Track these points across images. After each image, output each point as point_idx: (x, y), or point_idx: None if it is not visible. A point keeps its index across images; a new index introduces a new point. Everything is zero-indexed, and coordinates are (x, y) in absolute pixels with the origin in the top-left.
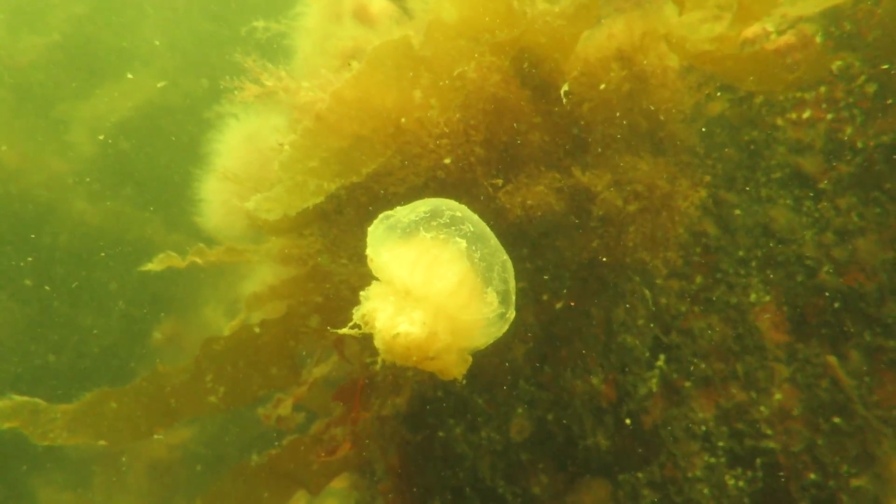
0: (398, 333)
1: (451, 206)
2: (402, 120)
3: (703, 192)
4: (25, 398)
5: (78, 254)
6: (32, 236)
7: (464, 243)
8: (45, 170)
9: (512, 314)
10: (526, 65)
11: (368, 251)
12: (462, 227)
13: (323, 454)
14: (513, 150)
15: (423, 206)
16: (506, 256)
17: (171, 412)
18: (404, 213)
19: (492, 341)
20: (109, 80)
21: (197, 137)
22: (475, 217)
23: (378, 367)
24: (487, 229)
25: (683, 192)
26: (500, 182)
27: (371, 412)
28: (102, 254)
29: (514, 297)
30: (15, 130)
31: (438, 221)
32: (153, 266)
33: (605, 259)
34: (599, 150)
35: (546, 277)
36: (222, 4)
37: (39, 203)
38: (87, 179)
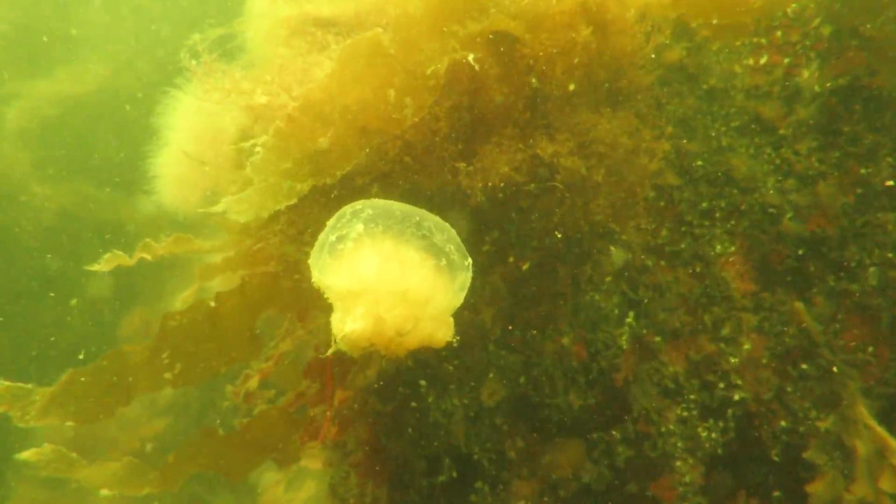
0: (347, 333)
1: (354, 205)
2: (375, 121)
3: (667, 145)
4: (10, 383)
5: (43, 239)
6: None
7: (360, 226)
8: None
9: (460, 259)
10: (500, 48)
11: (315, 280)
12: (361, 214)
13: (305, 438)
14: (476, 122)
15: (331, 220)
16: (427, 217)
17: (128, 389)
18: (324, 235)
19: (462, 291)
20: (59, 66)
21: (151, 120)
22: (379, 202)
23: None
24: (394, 205)
25: (647, 146)
26: (462, 165)
27: (350, 390)
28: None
29: (450, 245)
30: None
31: (341, 223)
32: (100, 267)
33: (571, 231)
34: (559, 108)
35: (511, 239)
36: None
37: None
38: (45, 164)
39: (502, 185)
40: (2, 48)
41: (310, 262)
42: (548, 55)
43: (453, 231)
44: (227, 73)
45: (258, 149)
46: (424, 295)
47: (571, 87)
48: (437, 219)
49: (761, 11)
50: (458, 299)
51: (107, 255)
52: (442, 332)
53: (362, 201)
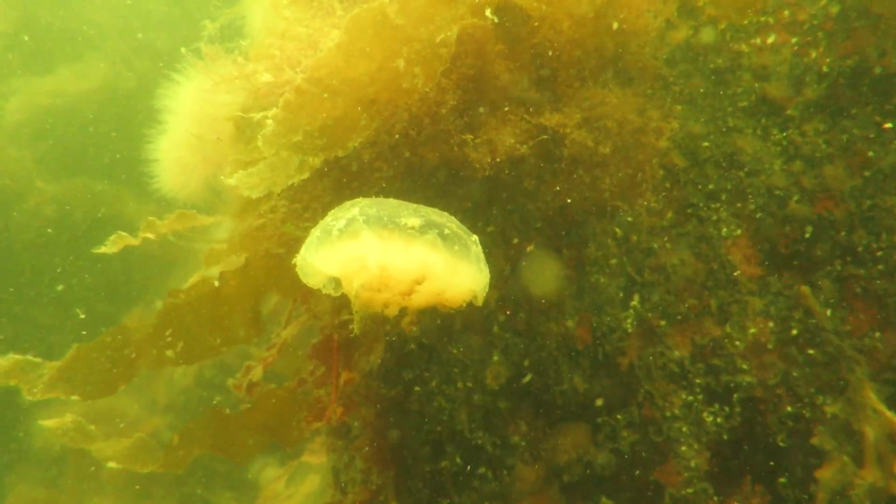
0: (360, 284)
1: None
2: (384, 92)
3: (675, 124)
4: (21, 356)
5: (45, 234)
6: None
7: (356, 209)
8: (3, 157)
9: (465, 236)
10: (505, 19)
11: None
12: (357, 205)
13: (310, 418)
14: (483, 92)
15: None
16: (422, 207)
17: (131, 365)
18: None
19: (474, 259)
20: (60, 64)
21: (151, 116)
22: (367, 200)
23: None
24: (388, 200)
25: (655, 125)
26: (469, 137)
27: (356, 371)
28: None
29: (452, 224)
30: None
31: (341, 212)
32: (107, 248)
33: (577, 207)
34: (567, 82)
35: (515, 221)
36: None
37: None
38: (47, 159)
39: (507, 158)
40: (4, 47)
41: (303, 250)
42: (554, 21)
43: (452, 217)
44: (230, 59)
45: (269, 121)
46: (437, 274)
47: (577, 53)
48: (434, 209)
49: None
50: (483, 274)
51: (112, 237)
52: (451, 293)
53: (353, 201)
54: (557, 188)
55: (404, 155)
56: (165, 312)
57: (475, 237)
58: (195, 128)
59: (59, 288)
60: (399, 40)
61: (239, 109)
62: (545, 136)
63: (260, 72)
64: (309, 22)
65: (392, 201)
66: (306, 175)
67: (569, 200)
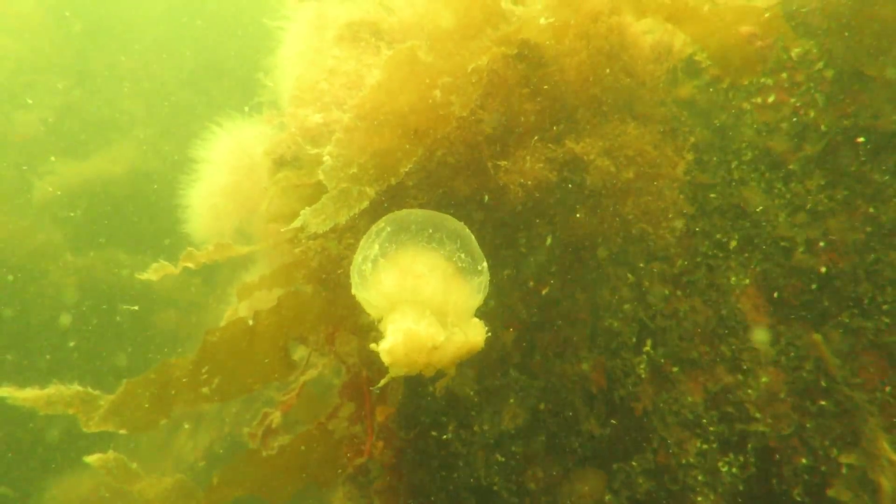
0: (385, 349)
1: (378, 224)
2: (424, 122)
3: (690, 156)
4: (79, 388)
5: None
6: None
7: (377, 247)
8: (33, 239)
9: (472, 264)
10: (526, 51)
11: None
12: (381, 234)
13: (350, 454)
14: (511, 128)
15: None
16: (441, 225)
17: (171, 402)
18: (356, 256)
19: (479, 293)
20: (92, 149)
21: (175, 193)
22: (400, 214)
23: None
24: (413, 215)
25: (669, 158)
26: (504, 163)
27: (391, 405)
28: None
29: (461, 254)
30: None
31: (367, 243)
32: (149, 275)
33: (602, 235)
34: (587, 119)
35: (532, 263)
36: (200, 74)
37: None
38: (77, 236)
39: (537, 192)
40: (46, 132)
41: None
42: (569, 56)
43: (471, 238)
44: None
45: (326, 157)
46: (439, 299)
47: (594, 91)
48: (456, 226)
49: (765, 53)
50: (475, 300)
51: (154, 265)
52: (473, 334)
53: (385, 218)
54: (579, 216)
55: (441, 181)
56: (203, 350)
57: (483, 265)
58: (231, 176)
59: (71, 344)
60: (433, 74)
61: (274, 159)
62: (572, 168)
63: (310, 114)
64: (359, 57)
65: (412, 225)
66: (365, 204)
67: (595, 224)
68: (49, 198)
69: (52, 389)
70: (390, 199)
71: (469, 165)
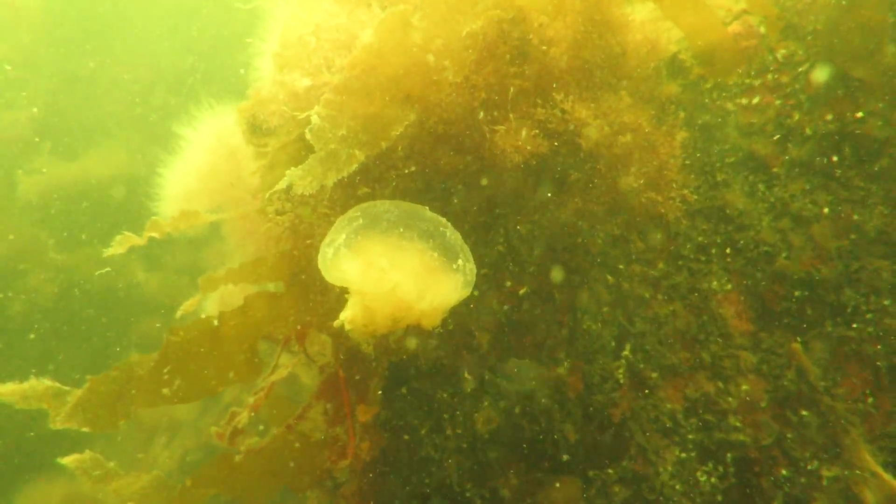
0: (344, 320)
1: (350, 213)
2: (416, 88)
3: (683, 133)
4: (51, 382)
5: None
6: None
7: (343, 236)
8: (17, 238)
9: (446, 262)
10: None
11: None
12: (353, 223)
13: (334, 458)
14: (506, 91)
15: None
16: (414, 224)
17: (131, 401)
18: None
19: (456, 291)
20: (81, 151)
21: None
22: (376, 207)
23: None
24: (386, 211)
25: (662, 137)
26: (500, 128)
27: (376, 404)
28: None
29: (434, 253)
30: None
31: (337, 228)
32: (114, 250)
33: (607, 205)
34: (583, 87)
35: (509, 264)
36: (189, 78)
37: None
38: (60, 233)
39: (533, 159)
40: (33, 130)
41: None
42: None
43: (446, 236)
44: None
45: (314, 118)
46: (411, 296)
47: (586, 54)
48: (430, 225)
49: (751, 53)
50: (452, 297)
51: (118, 237)
52: (428, 320)
53: (360, 207)
54: (577, 199)
55: (427, 153)
56: (165, 350)
57: (460, 262)
58: (210, 157)
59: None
60: (426, 38)
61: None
62: (568, 133)
63: (297, 78)
64: (350, 12)
65: (383, 222)
66: (354, 167)
67: (593, 194)
68: (34, 197)
69: (27, 384)
70: (378, 166)
71: (461, 133)
